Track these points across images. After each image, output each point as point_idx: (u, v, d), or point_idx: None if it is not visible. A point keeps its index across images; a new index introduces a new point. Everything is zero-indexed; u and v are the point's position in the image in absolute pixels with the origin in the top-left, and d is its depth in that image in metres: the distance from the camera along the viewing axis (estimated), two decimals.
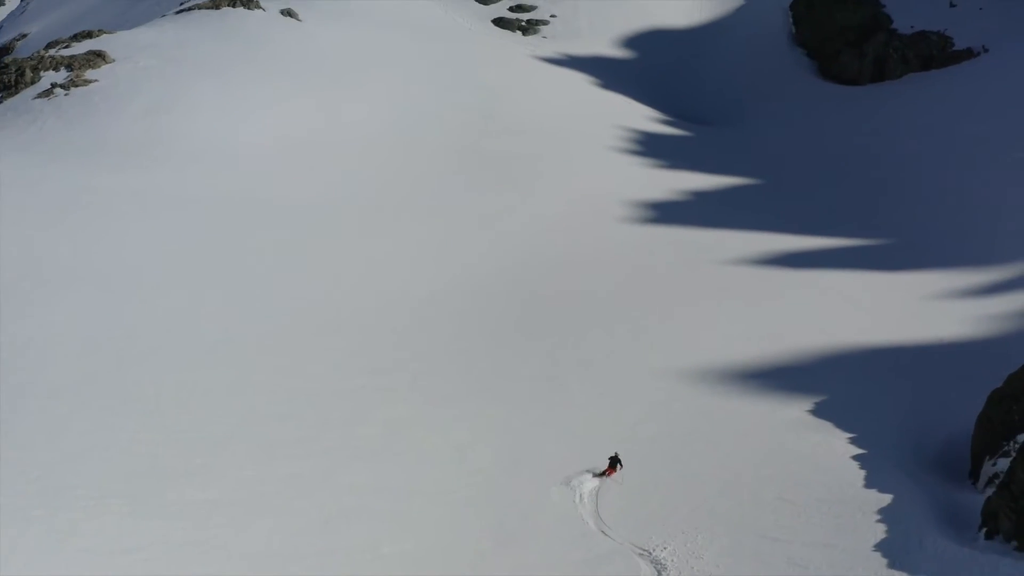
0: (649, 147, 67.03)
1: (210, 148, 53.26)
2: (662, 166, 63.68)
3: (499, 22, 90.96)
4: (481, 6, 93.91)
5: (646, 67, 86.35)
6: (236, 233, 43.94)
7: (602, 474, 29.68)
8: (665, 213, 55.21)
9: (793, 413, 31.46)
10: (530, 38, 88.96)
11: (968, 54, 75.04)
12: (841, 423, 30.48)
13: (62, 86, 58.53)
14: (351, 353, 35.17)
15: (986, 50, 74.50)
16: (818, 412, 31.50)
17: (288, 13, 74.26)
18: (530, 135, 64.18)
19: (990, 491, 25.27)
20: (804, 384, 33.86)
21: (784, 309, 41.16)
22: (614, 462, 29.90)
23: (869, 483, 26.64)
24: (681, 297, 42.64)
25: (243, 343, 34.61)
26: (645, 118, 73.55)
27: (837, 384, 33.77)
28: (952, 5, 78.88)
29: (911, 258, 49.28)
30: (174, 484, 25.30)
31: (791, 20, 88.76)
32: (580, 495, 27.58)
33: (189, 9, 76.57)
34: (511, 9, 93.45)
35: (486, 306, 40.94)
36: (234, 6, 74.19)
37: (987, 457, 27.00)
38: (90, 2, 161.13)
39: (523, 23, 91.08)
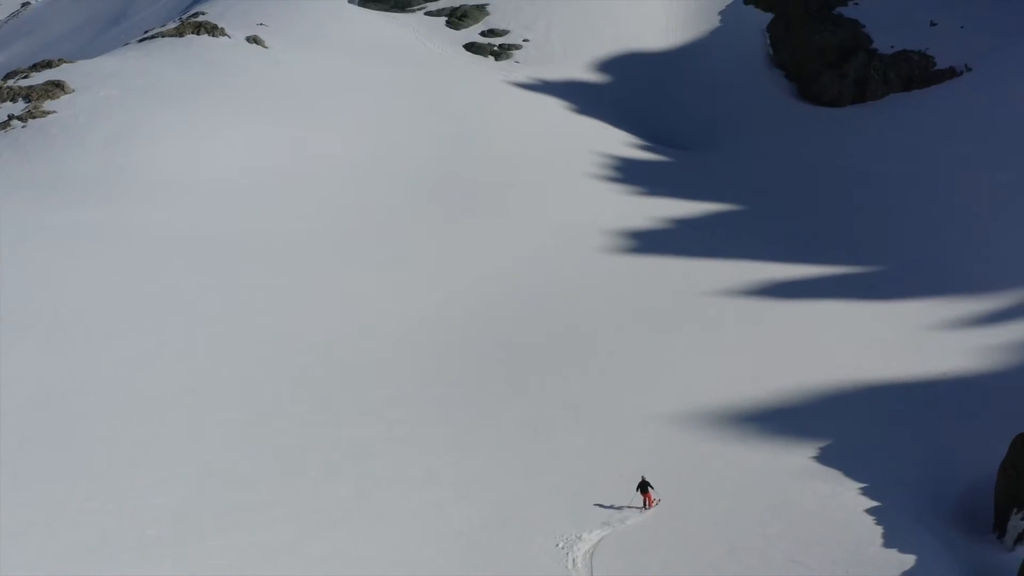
0: (627, 173, 65.21)
1: (173, 181, 50.79)
2: (641, 193, 61.84)
3: (471, 47, 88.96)
4: (453, 31, 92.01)
5: (621, 91, 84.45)
6: (200, 271, 41.43)
7: (644, 506, 28.04)
8: (646, 242, 53.28)
9: (797, 460, 29.32)
10: (503, 63, 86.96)
11: (951, 73, 73.71)
12: (850, 471, 28.35)
13: (19, 118, 56.04)
14: (321, 402, 32.68)
15: (969, 69, 73.21)
16: (824, 458, 29.37)
17: (254, 40, 72.18)
18: (506, 163, 62.33)
19: (1021, 549, 23.22)
20: (806, 426, 31.82)
21: (779, 344, 39.22)
22: (645, 486, 28.32)
23: (888, 541, 24.34)
24: (669, 332, 40.61)
25: (205, 393, 32.05)
26: (622, 143, 71.74)
27: (842, 426, 31.76)
28: (933, 24, 77.65)
29: (903, 285, 47.73)
30: (125, 561, 22.67)
31: (768, 41, 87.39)
32: (573, 559, 24.93)
33: (153, 37, 74.57)
34: (483, 34, 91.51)
35: (465, 345, 38.76)
36: (199, 33, 72.11)
37: (1014, 510, 24.88)
38: (56, 31, 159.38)
39: (495, 48, 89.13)
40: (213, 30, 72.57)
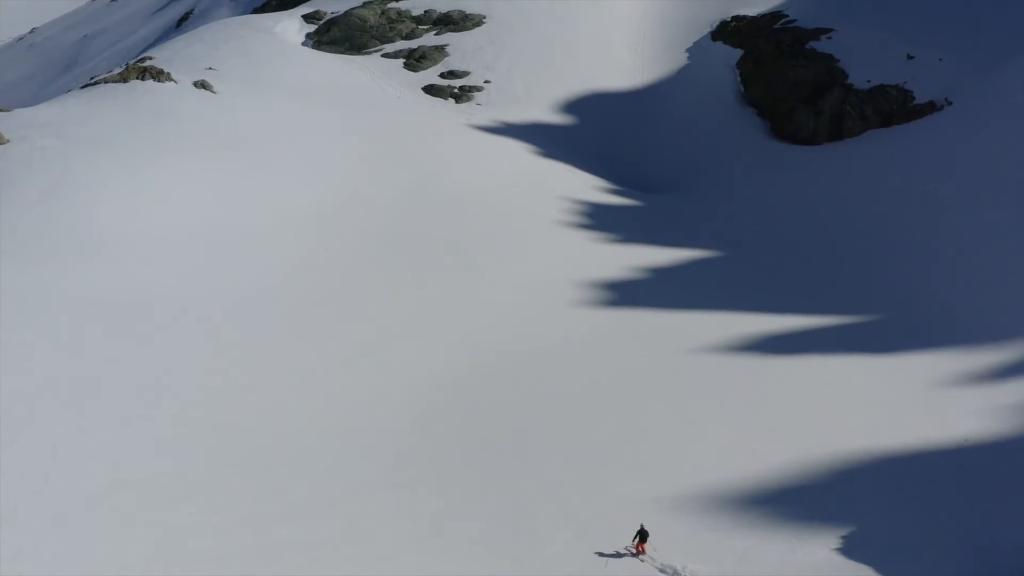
0: (598, 220, 61.82)
1: (113, 238, 46.65)
2: (614, 240, 58.43)
3: (430, 89, 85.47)
4: (411, 73, 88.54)
5: (588, 133, 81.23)
6: (136, 343, 37.39)
7: (636, 553, 27.87)
8: (623, 294, 49.71)
9: (817, 553, 25.80)
10: (464, 105, 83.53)
11: (931, 108, 70.92)
12: (881, 566, 24.73)
13: None
14: (270, 494, 28.77)
15: (949, 103, 70.46)
16: (849, 550, 25.90)
17: (202, 85, 68.37)
18: (469, 212, 58.68)
19: None
20: (821, 509, 28.26)
21: (776, 408, 35.70)
22: (644, 535, 27.99)
23: None
24: (656, 398, 36.99)
25: (135, 488, 28.07)
26: (592, 188, 68.47)
27: (862, 508, 28.23)
28: (910, 57, 74.94)
29: (901, 336, 44.34)
30: None
31: (739, 79, 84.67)
32: None
33: (96, 83, 70.72)
34: (442, 76, 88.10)
35: (431, 420, 34.83)
36: (144, 79, 68.26)
37: None
38: (7, 79, 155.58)
39: (456, 90, 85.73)
40: (159, 75, 68.67)
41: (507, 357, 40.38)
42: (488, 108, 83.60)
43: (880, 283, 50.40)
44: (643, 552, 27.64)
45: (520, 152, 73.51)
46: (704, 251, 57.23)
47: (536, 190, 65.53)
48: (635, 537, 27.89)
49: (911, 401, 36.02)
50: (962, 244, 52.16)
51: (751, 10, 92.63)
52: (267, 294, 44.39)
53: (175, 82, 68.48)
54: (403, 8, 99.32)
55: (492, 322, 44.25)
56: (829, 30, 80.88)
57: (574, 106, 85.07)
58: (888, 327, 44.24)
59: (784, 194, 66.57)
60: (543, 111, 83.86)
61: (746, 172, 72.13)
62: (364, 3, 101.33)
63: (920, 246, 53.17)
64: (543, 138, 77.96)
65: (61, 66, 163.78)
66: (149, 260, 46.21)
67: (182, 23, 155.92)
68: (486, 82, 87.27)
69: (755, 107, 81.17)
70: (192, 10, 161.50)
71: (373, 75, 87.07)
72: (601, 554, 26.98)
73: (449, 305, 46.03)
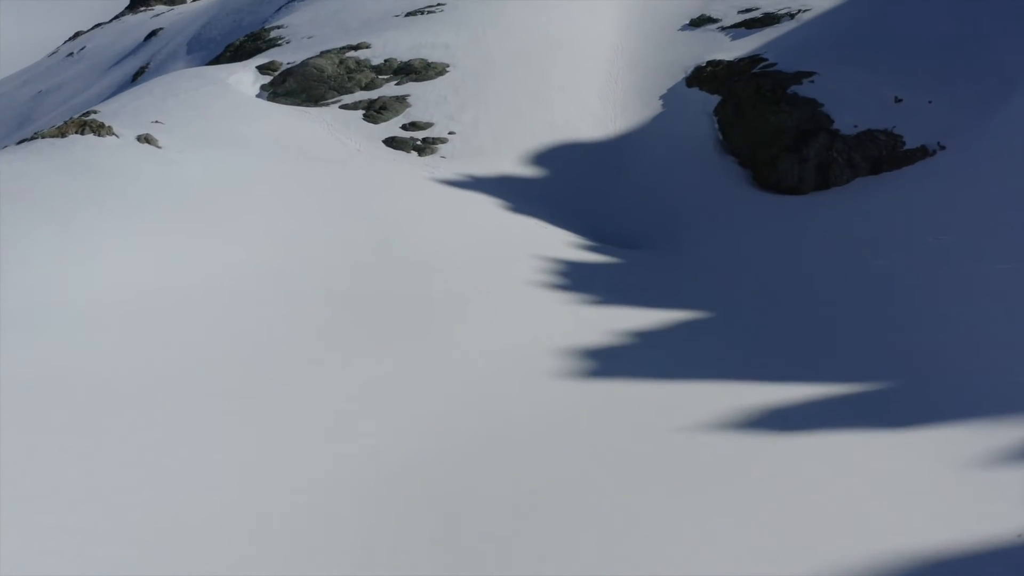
0: (574, 279, 57.79)
1: (46, 308, 41.95)
2: (592, 302, 54.36)
3: (391, 142, 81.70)
4: (371, 125, 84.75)
5: (559, 185, 77.56)
6: (71, 429, 32.81)
7: None
8: (605, 363, 45.39)
9: None
10: (427, 158, 79.76)
11: (922, 153, 67.76)
12: None
13: None
14: None
15: (942, 147, 67.35)
16: None
17: (146, 139, 64.17)
18: (434, 272, 54.47)
19: None
20: None
21: (791, 499, 31.45)
22: None
23: None
24: (651, 489, 32.64)
25: None
26: (564, 244, 64.61)
27: None
28: (898, 100, 71.94)
29: (917, 407, 39.69)
30: None
31: (717, 126, 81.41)
32: None
33: (32, 139, 66.51)
34: (404, 127, 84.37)
35: (400, 514, 30.13)
36: (83, 133, 64.09)
37: None
38: None
39: (418, 142, 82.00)
40: (100, 129, 64.42)
41: (480, 440, 35.95)
42: (453, 161, 79.87)
43: (883, 345, 46.41)
44: None
45: (488, 207, 69.63)
46: (689, 312, 53.26)
47: (506, 247, 61.61)
48: None
49: (941, 486, 31.81)
50: (970, 300, 48.36)
51: (727, 54, 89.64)
52: (207, 368, 39.74)
53: (117, 136, 64.32)
54: (362, 57, 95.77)
55: (461, 398, 39.81)
56: (811, 74, 77.81)
57: (545, 157, 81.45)
58: (901, 396, 40.16)
59: (771, 248, 62.86)
60: (512, 163, 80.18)
61: (729, 224, 68.49)
62: (321, 53, 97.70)
63: (924, 303, 49.38)
64: (512, 191, 74.14)
65: (14, 123, 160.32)
66: (74, 330, 41.44)
67: (137, 77, 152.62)
68: (451, 133, 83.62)
69: (735, 155, 77.79)
70: (148, 64, 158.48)
71: (331, 127, 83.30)
72: None
73: (413, 379, 41.57)
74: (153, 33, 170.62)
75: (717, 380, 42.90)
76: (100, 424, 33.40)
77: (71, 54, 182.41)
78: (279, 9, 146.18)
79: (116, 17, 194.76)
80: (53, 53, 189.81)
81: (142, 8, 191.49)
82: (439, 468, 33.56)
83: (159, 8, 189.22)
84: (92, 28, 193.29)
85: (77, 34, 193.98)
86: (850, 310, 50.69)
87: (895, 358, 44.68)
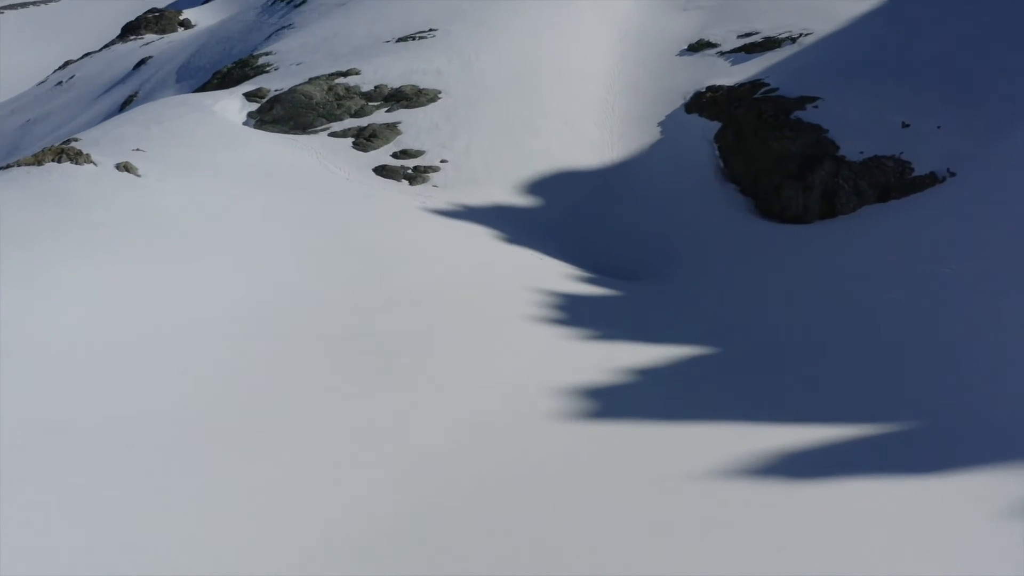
0: (572, 313, 55.48)
1: (11, 346, 39.92)
2: (591, 337, 52.06)
3: (381, 171, 79.61)
4: (360, 153, 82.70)
5: (555, 215, 75.36)
6: (32, 479, 30.58)
7: None
8: (606, 403, 43.01)
9: None
10: (418, 187, 77.64)
11: (932, 179, 65.73)
12: None
13: None
14: None
15: (952, 174, 65.32)
16: None
17: (125, 168, 61.89)
18: (426, 308, 52.12)
19: None
20: None
21: (824, 557, 29.08)
22: None
23: None
24: (664, 544, 30.16)
25: None
26: (562, 276, 62.38)
27: None
28: (905, 125, 70.01)
29: (940, 453, 36.82)
30: None
31: (717, 153, 79.40)
32: None
33: (7, 167, 64.21)
34: (395, 155, 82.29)
35: None
36: (60, 161, 61.86)
37: None
38: None
39: (409, 171, 79.88)
40: (77, 157, 62.18)
41: (475, 490, 33.58)
42: (445, 190, 77.75)
43: (901, 385, 44.09)
44: None
45: (482, 238, 67.44)
46: (693, 348, 50.99)
47: (501, 280, 59.36)
48: None
49: (977, 539, 29.48)
50: (990, 335, 46.12)
51: (727, 80, 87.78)
52: (183, 413, 37.33)
53: (95, 165, 62.07)
54: (352, 84, 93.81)
55: (455, 444, 37.43)
56: (815, 98, 75.94)
57: (540, 186, 79.33)
58: (922, 440, 37.81)
59: (775, 279, 60.70)
60: (506, 192, 78.06)
61: (731, 255, 66.34)
62: (310, 79, 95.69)
63: (941, 339, 47.05)
64: (507, 222, 71.96)
65: (2, 152, 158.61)
66: (36, 370, 39.31)
67: (126, 106, 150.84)
68: (443, 161, 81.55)
69: (737, 183, 75.78)
70: (137, 92, 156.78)
71: (319, 156, 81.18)
72: None
73: (403, 422, 39.20)
74: (142, 62, 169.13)
75: (728, 422, 40.62)
76: (68, 474, 31.09)
77: (60, 83, 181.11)
78: (269, 37, 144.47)
79: (106, 46, 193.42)
80: (42, 82, 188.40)
81: (132, 37, 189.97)
82: (435, 517, 31.18)
83: (149, 37, 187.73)
84: (82, 57, 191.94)
85: (67, 63, 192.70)
86: (859, 345, 48.43)
87: (914, 399, 42.43)
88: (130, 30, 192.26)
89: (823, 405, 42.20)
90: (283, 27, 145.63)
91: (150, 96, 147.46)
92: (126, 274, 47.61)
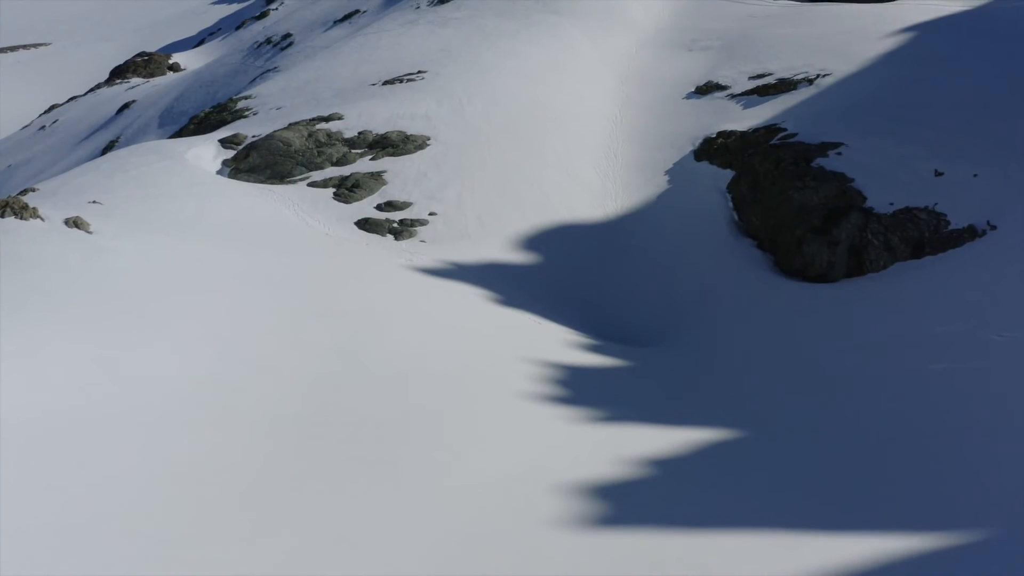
0: (575, 389, 49.87)
1: None
2: (599, 419, 46.41)
3: (364, 224, 74.36)
4: (342, 205, 77.51)
5: (555, 273, 69.93)
6: None
7: None
8: (620, 505, 37.20)
9: None
10: (405, 242, 72.32)
11: (971, 233, 60.43)
12: None
13: None
14: None
15: (993, 227, 60.06)
16: None
17: (75, 223, 56.43)
18: (409, 385, 46.43)
19: None
20: None
21: None
22: None
23: None
24: None
25: None
26: (563, 344, 56.91)
27: None
28: (939, 174, 64.87)
29: (995, 561, 32.55)
30: None
31: (731, 204, 74.20)
32: None
33: None
34: (379, 208, 77.06)
35: None
36: (3, 215, 56.62)
37: None
38: None
39: (395, 224, 74.61)
40: (22, 211, 56.85)
41: None
42: (434, 245, 72.40)
43: (961, 479, 38.50)
44: None
45: (473, 299, 61.92)
46: (716, 431, 45.33)
47: (494, 349, 53.84)
48: None
49: None
50: None
51: (739, 124, 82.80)
52: (126, 508, 31.68)
53: (42, 220, 56.72)
54: (334, 130, 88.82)
55: (441, 554, 31.77)
56: (838, 144, 70.81)
57: (537, 240, 73.96)
58: (999, 551, 32.36)
59: (801, 347, 55.15)
60: (500, 248, 72.70)
61: (749, 318, 60.86)
62: (289, 125, 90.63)
63: (1001, 420, 41.66)
64: (501, 281, 66.51)
65: None
66: None
67: (106, 152, 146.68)
68: (431, 214, 76.29)
69: (753, 238, 70.47)
70: (119, 137, 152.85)
71: (297, 208, 75.90)
72: None
73: (379, 526, 33.51)
74: (125, 106, 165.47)
75: (764, 528, 34.95)
76: None
77: (43, 127, 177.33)
78: (253, 80, 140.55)
79: (91, 90, 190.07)
80: (26, 126, 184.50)
81: (118, 81, 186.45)
82: None
83: (135, 80, 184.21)
84: (67, 101, 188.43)
85: (53, 107, 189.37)
86: (911, 431, 42.77)
87: (977, 495, 36.86)
88: (118, 74, 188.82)
89: (871, 508, 36.57)
90: (268, 70, 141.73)
91: (132, 141, 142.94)
92: (75, 345, 42.07)
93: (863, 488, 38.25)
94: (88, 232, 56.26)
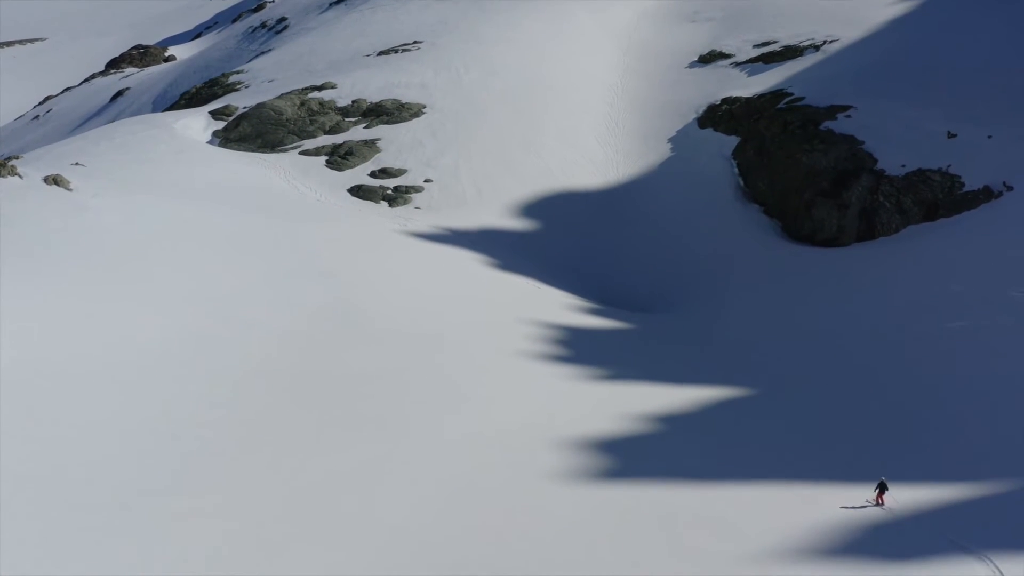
0: (578, 350, 48.18)
1: None
2: (601, 377, 44.74)
3: (358, 191, 72.29)
4: (335, 173, 75.35)
5: (556, 240, 67.86)
6: None
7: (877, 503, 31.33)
8: (624, 459, 35.57)
9: None
10: (399, 209, 70.25)
11: (986, 194, 58.80)
12: None
13: None
14: None
15: (1010, 187, 58.41)
16: None
17: (55, 181, 54.41)
18: (404, 344, 44.74)
19: None
20: None
21: None
22: (883, 487, 31.61)
23: None
24: None
25: None
26: (564, 307, 55.10)
27: None
28: (952, 135, 62.90)
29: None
30: None
31: (736, 170, 72.13)
32: None
33: None
34: (373, 175, 74.94)
35: None
36: None
37: None
38: None
39: (389, 191, 72.51)
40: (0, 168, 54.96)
41: (452, 572, 26.08)
42: (429, 212, 70.40)
43: (981, 427, 36.80)
44: (882, 500, 31.17)
45: (471, 264, 60.02)
46: (724, 389, 43.61)
47: (492, 311, 52.04)
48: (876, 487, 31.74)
49: None
50: None
51: (744, 91, 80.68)
52: (96, 459, 29.92)
53: (20, 177, 54.66)
54: (327, 99, 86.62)
55: (431, 510, 29.90)
56: (847, 107, 68.86)
57: (537, 208, 71.90)
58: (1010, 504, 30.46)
59: (813, 310, 53.31)
60: (498, 215, 70.64)
61: (757, 284, 58.90)
62: (280, 95, 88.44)
63: (1013, 380, 39.81)
64: (499, 247, 64.56)
65: None
66: None
67: None
68: (427, 181, 74.22)
69: (760, 203, 68.45)
70: (112, 123, 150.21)
71: (288, 175, 73.78)
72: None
73: (374, 479, 31.74)
74: (119, 93, 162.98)
75: (777, 480, 33.13)
76: None
77: (37, 117, 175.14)
78: (249, 62, 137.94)
79: (86, 80, 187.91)
80: (20, 117, 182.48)
81: (113, 71, 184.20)
82: None
83: (129, 70, 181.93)
84: (62, 92, 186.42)
85: (47, 98, 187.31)
86: (932, 386, 40.86)
87: (1003, 447, 35.01)
88: (113, 65, 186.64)
89: (891, 455, 34.79)
90: (263, 52, 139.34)
91: None
92: (58, 300, 40.22)
93: (887, 441, 36.56)
94: (68, 190, 54.21)
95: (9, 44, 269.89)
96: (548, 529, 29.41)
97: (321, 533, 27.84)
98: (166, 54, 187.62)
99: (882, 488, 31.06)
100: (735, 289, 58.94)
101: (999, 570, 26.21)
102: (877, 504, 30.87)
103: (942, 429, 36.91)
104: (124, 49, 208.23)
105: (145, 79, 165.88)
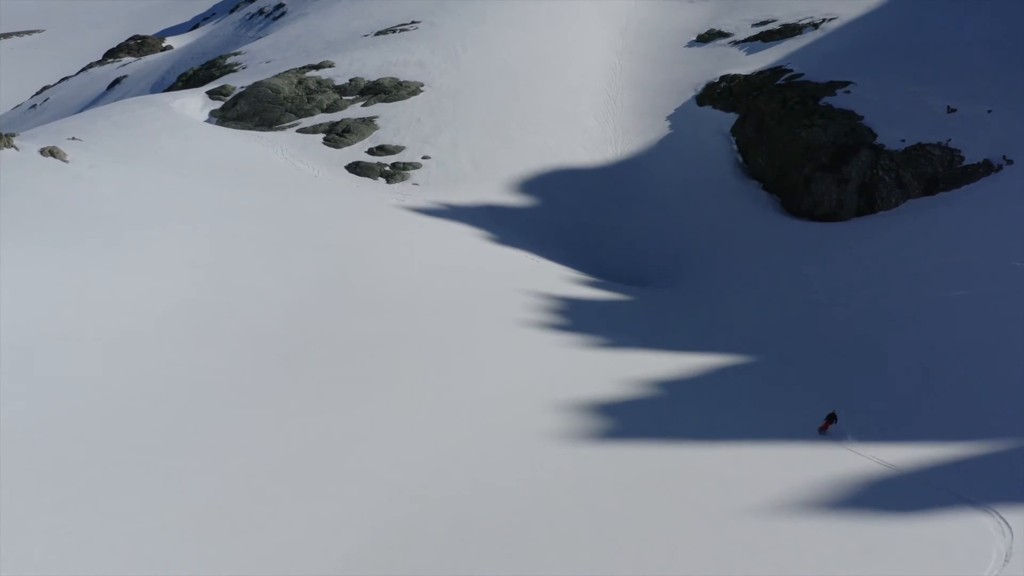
0: (575, 319, 47.95)
1: None
2: (600, 345, 44.50)
3: (355, 168, 71.91)
4: (332, 150, 74.98)
5: (554, 215, 67.57)
6: None
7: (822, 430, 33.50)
8: (621, 421, 35.28)
9: None
10: (397, 185, 69.94)
11: (986, 168, 58.66)
12: None
13: None
14: None
15: (1009, 161, 58.31)
16: None
17: (51, 152, 54.15)
18: (403, 312, 44.49)
19: None
20: None
21: None
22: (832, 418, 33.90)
23: None
24: None
25: None
26: (563, 280, 54.85)
27: None
28: (951, 110, 62.69)
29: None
30: None
31: (735, 147, 71.86)
32: None
33: None
34: (371, 152, 74.59)
35: None
36: None
37: None
38: None
39: (387, 168, 72.15)
40: None
41: (452, 529, 25.86)
42: (427, 188, 70.06)
43: (989, 390, 36.50)
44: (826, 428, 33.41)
45: (468, 238, 59.73)
46: (722, 357, 43.34)
47: (490, 282, 51.81)
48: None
49: None
50: None
51: (743, 69, 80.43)
52: (119, 432, 29.51)
53: (16, 148, 54.34)
54: (324, 77, 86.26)
55: (430, 470, 29.63)
56: (846, 83, 68.61)
57: (535, 184, 71.57)
58: (994, 479, 30.21)
59: (813, 282, 53.09)
60: (496, 191, 70.34)
61: (755, 258, 58.64)
62: (278, 73, 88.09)
63: (1014, 350, 39.54)
64: (497, 223, 64.29)
65: None
66: None
67: None
68: (425, 158, 73.88)
69: (759, 179, 68.21)
70: None
71: (285, 152, 73.42)
72: None
73: (377, 442, 31.47)
74: (117, 81, 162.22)
75: (776, 439, 32.94)
76: None
77: (34, 106, 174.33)
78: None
79: (83, 70, 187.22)
80: (17, 106, 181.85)
81: (110, 60, 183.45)
82: (419, 558, 23.28)
83: (127, 59, 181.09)
84: (59, 82, 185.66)
85: (44, 88, 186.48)
86: (937, 353, 40.55)
87: (1010, 409, 34.82)
88: (111, 55, 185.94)
89: (900, 422, 34.59)
90: (260, 38, 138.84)
91: None
92: (54, 269, 39.83)
93: (888, 400, 36.46)
94: (64, 161, 53.95)
95: (7, 36, 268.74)
96: (546, 480, 29.22)
97: (318, 490, 27.58)
98: (163, 44, 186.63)
99: (831, 419, 33.05)
100: (735, 264, 58.70)
101: (1004, 520, 25.99)
102: (821, 431, 32.87)
103: (945, 391, 36.73)
104: (121, 41, 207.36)
105: (143, 67, 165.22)
